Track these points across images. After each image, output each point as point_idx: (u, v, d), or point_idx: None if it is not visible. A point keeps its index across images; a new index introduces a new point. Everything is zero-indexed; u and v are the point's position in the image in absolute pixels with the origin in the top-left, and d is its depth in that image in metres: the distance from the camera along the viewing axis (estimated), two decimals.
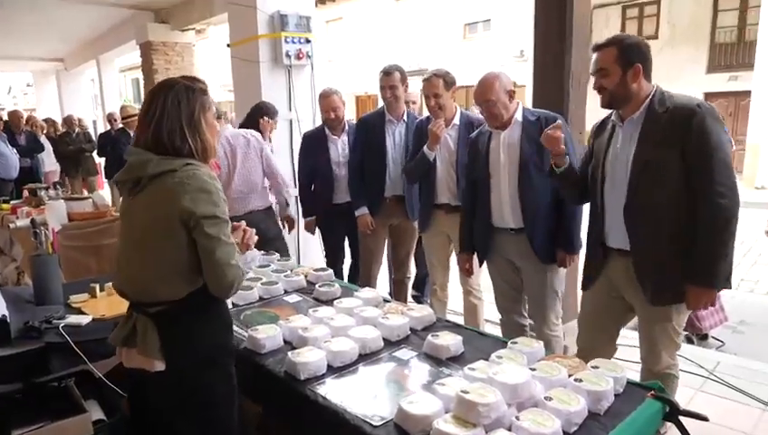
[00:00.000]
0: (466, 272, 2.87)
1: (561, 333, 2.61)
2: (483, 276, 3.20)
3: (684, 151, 1.90)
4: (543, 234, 2.47)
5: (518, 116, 2.49)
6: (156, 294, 1.52)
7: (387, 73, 3.39)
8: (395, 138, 3.44)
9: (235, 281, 1.51)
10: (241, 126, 3.88)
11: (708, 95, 13.43)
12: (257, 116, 3.87)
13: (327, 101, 3.61)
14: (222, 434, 1.63)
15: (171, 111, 1.51)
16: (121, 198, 1.64)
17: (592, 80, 2.11)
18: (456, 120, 3.08)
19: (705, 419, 1.47)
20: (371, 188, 3.47)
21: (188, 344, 1.54)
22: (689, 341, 3.73)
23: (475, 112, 3.42)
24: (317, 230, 3.93)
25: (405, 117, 3.46)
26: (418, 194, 3.35)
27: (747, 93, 12.28)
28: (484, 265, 2.77)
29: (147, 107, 1.54)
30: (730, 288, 2.01)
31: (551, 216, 2.48)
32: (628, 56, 1.97)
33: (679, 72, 12.99)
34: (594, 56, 2.05)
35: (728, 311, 3.82)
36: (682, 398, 2.80)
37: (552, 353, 2.52)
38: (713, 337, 3.88)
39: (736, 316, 4.43)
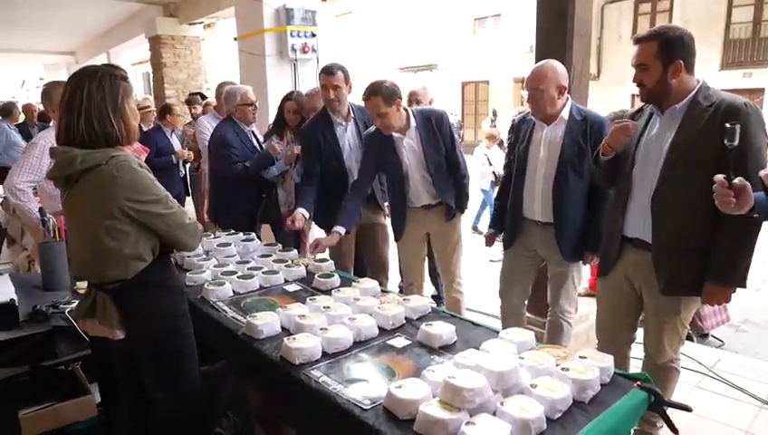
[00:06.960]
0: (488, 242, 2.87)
1: (573, 318, 2.68)
2: (465, 269, 3.19)
3: (721, 146, 1.77)
4: (571, 231, 2.48)
5: (565, 114, 2.43)
6: (106, 276, 1.65)
7: (328, 73, 2.95)
8: (348, 141, 3.09)
9: (195, 235, 1.76)
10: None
11: None
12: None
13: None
14: (185, 388, 1.77)
15: (97, 98, 1.55)
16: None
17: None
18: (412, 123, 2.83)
19: (688, 409, 1.49)
20: (335, 202, 3.00)
21: (144, 315, 1.69)
22: (689, 338, 3.73)
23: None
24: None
25: (352, 113, 3.10)
26: (391, 200, 3.10)
27: (761, 91, 12.10)
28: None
29: (71, 94, 1.56)
30: (745, 287, 1.97)
31: (579, 215, 2.47)
32: (670, 52, 1.91)
33: None
34: (635, 49, 2.00)
35: (733, 309, 3.80)
36: (679, 394, 2.79)
37: (564, 338, 2.63)
38: (713, 336, 3.88)
39: (741, 315, 4.42)
